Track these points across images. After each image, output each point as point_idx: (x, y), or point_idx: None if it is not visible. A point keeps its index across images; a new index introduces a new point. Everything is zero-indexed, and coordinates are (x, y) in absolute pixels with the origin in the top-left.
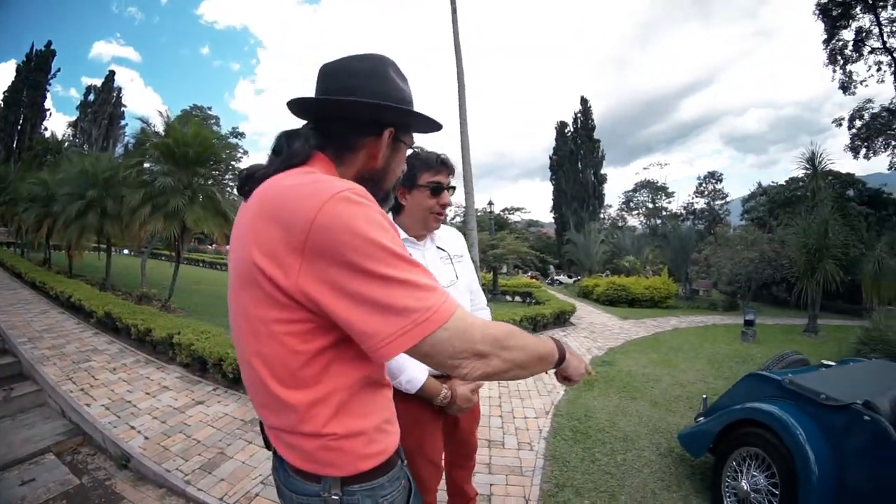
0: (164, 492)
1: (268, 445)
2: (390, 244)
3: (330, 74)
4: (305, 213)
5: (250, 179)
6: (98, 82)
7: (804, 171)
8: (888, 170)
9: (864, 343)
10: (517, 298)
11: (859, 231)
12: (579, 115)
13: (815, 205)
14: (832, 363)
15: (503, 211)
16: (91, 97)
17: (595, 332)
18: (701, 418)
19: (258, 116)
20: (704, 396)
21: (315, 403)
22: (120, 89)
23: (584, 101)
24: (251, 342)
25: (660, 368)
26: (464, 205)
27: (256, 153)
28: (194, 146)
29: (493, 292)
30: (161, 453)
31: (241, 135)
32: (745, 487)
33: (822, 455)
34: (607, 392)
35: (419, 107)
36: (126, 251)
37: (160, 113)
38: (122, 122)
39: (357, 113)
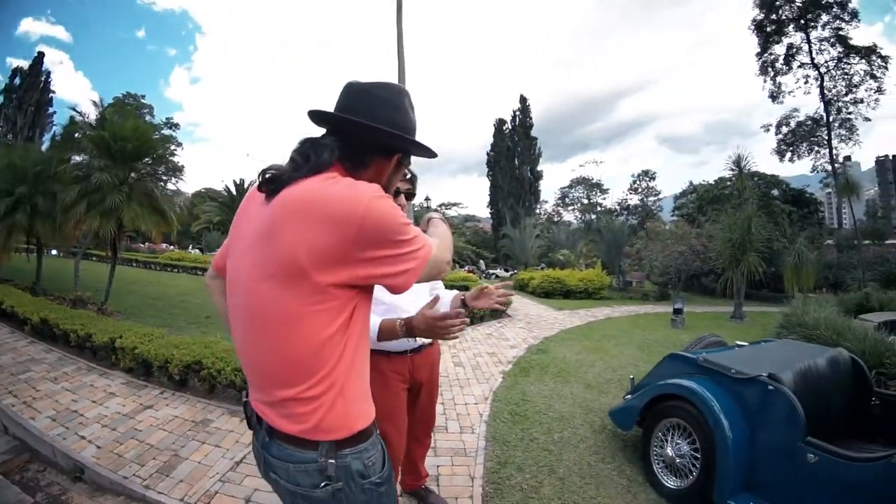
0: (124, 499)
1: (251, 425)
2: (403, 219)
3: (356, 95)
4: (355, 211)
5: (277, 181)
6: (25, 64)
7: (732, 172)
8: (811, 172)
9: (784, 326)
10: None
11: (782, 226)
12: (518, 112)
13: (741, 203)
14: (745, 343)
15: (440, 206)
16: (17, 81)
17: (531, 322)
18: (629, 396)
19: (193, 106)
20: (632, 377)
21: (331, 372)
22: (48, 73)
23: (523, 100)
24: (277, 327)
25: (592, 355)
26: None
27: (192, 144)
28: (132, 141)
29: None
30: (116, 461)
31: (176, 125)
32: (671, 454)
33: (735, 422)
34: (543, 378)
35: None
36: (54, 252)
37: (94, 103)
38: (51, 110)
39: (379, 138)
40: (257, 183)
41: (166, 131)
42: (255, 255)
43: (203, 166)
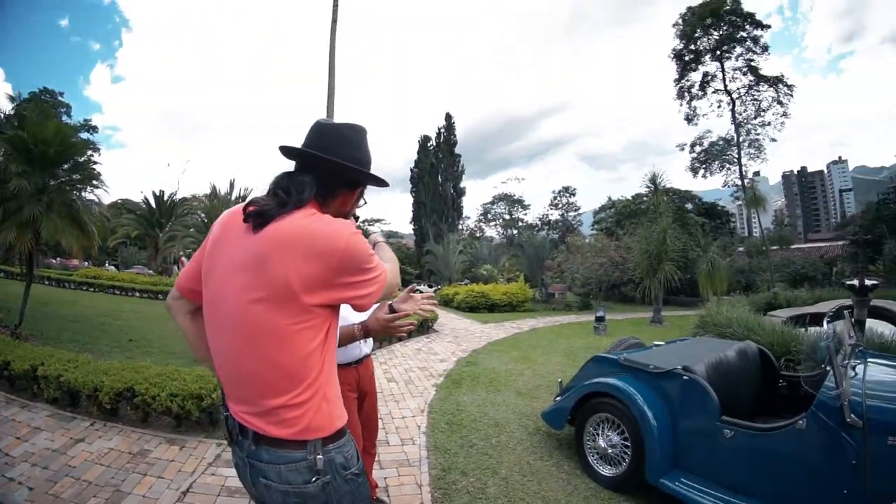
0: None
1: (232, 438)
2: (370, 251)
3: (327, 135)
4: (337, 246)
5: (265, 216)
6: None
7: (648, 189)
8: (722, 187)
9: (700, 327)
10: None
11: (696, 237)
12: (443, 130)
13: (657, 217)
14: (662, 343)
15: (363, 222)
16: None
17: (458, 336)
18: (559, 398)
19: (113, 108)
20: (560, 380)
21: (316, 379)
22: None
23: (448, 118)
24: (270, 343)
25: (521, 364)
26: None
27: (109, 150)
28: (54, 145)
29: None
30: (53, 502)
31: (94, 129)
32: (603, 445)
33: (657, 411)
34: (475, 388)
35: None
36: None
37: (10, 97)
38: None
39: (347, 174)
40: (242, 215)
41: (84, 135)
42: (243, 279)
43: (120, 175)
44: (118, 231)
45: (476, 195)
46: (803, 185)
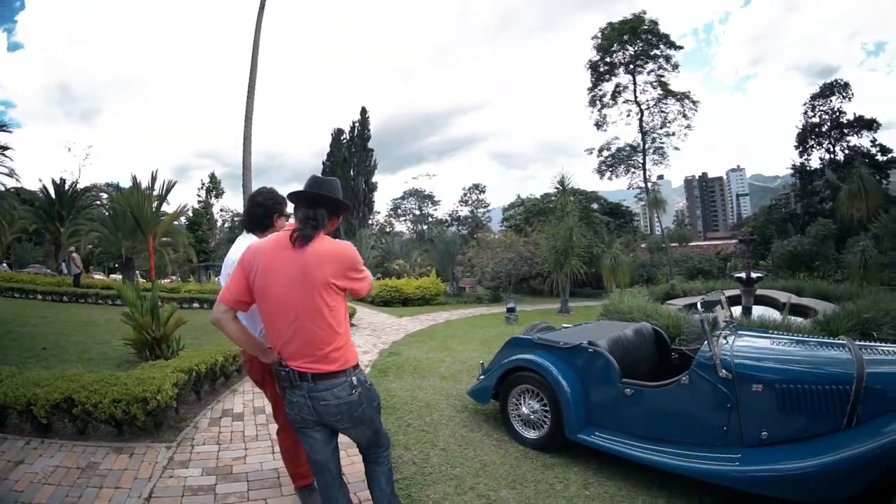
0: None
1: (292, 383)
2: (361, 259)
3: (325, 183)
4: (347, 255)
5: (306, 240)
6: None
7: (557, 189)
8: (627, 189)
9: (604, 314)
10: None
11: (601, 234)
12: (357, 124)
13: (564, 215)
14: (569, 326)
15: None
16: None
17: (377, 329)
18: (482, 377)
19: (9, 80)
20: (482, 362)
21: (346, 332)
22: None
23: (363, 112)
24: (323, 315)
25: (441, 353)
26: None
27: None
28: None
29: None
30: None
31: None
32: (526, 412)
33: (570, 379)
34: (401, 376)
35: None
36: None
37: None
38: None
39: (337, 208)
40: (288, 239)
41: None
42: (301, 280)
43: (14, 159)
44: (15, 224)
45: (386, 190)
46: (704, 188)
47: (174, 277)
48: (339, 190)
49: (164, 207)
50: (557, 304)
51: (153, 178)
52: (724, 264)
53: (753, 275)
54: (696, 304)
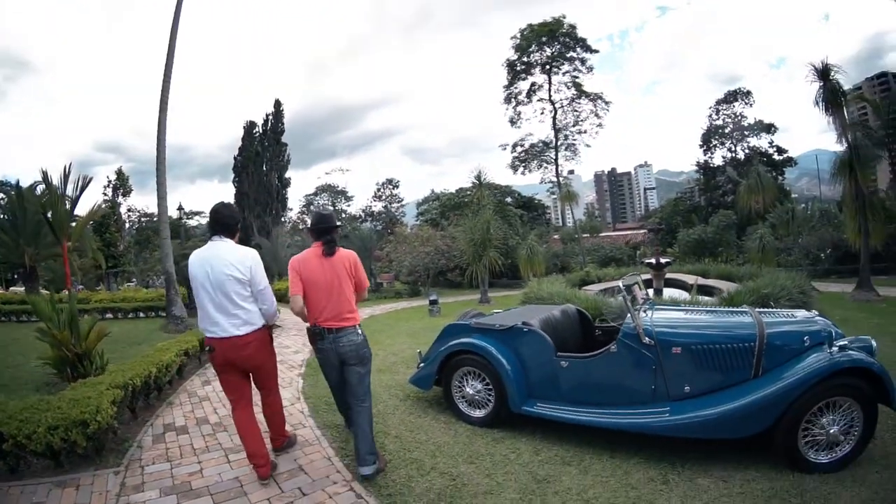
0: None
1: (322, 337)
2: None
3: (328, 218)
4: (353, 259)
5: (333, 253)
6: None
7: (473, 184)
8: (540, 183)
9: (524, 302)
10: None
11: (516, 227)
12: (271, 117)
13: (480, 209)
14: (499, 311)
15: (181, 213)
16: None
17: (302, 329)
18: (422, 364)
19: None
20: (419, 351)
21: (355, 302)
22: None
23: (277, 104)
24: (343, 293)
25: (372, 347)
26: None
27: None
28: None
29: (189, 306)
30: None
31: None
32: (471, 392)
33: (508, 358)
34: None
35: None
36: None
37: None
38: None
39: (336, 229)
40: (321, 248)
41: None
42: (334, 275)
43: None
44: None
45: (299, 185)
46: (613, 182)
47: (80, 287)
48: (334, 219)
49: (78, 207)
50: (477, 294)
51: (65, 174)
52: (634, 252)
53: (662, 260)
54: (611, 288)
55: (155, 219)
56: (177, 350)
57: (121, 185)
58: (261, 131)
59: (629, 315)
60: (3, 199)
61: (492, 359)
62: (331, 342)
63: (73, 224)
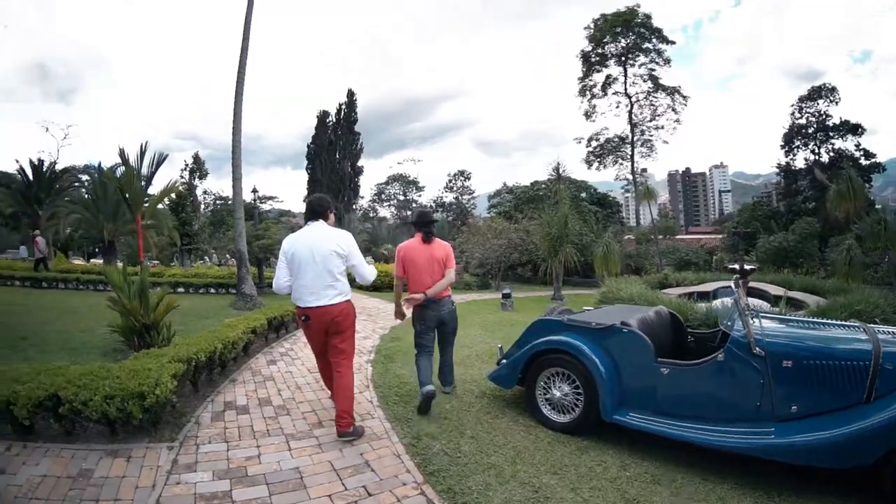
0: None
1: (429, 304)
2: None
3: (428, 214)
4: (448, 248)
5: (432, 240)
6: None
7: (550, 176)
8: (614, 180)
9: (603, 301)
10: None
11: (590, 223)
12: (344, 106)
13: (556, 202)
14: (590, 308)
15: (255, 198)
16: None
17: (372, 315)
18: (504, 361)
19: None
20: (500, 345)
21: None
22: None
23: (350, 94)
24: (439, 273)
25: None
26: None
27: None
28: None
29: (259, 285)
30: None
31: None
32: (558, 395)
33: (603, 360)
34: (409, 362)
35: None
36: None
37: None
38: None
39: (433, 223)
40: (421, 237)
41: None
42: (432, 258)
43: None
44: None
45: (370, 175)
46: (687, 183)
47: (155, 262)
48: (432, 215)
49: (153, 186)
50: (548, 291)
51: (142, 152)
52: (710, 257)
53: (747, 266)
54: (691, 293)
55: (229, 202)
56: (244, 327)
57: (197, 168)
58: (334, 120)
59: (739, 321)
60: (87, 180)
61: (586, 360)
62: (435, 309)
63: (147, 200)
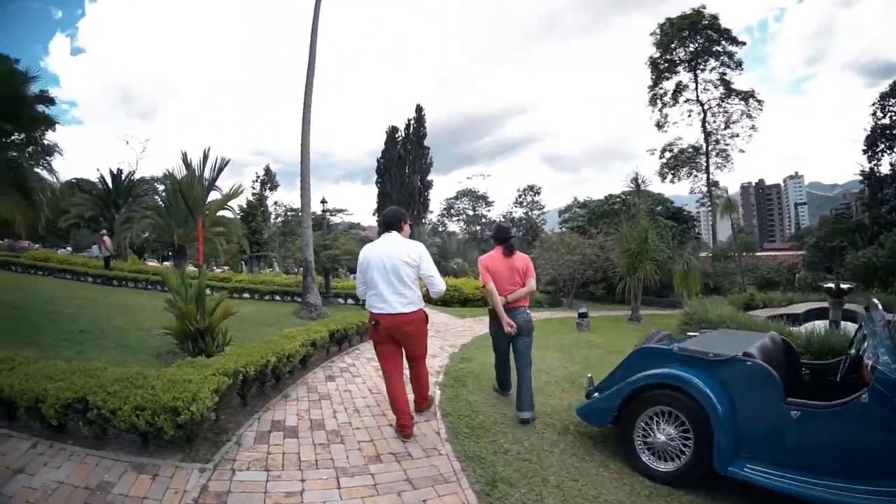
0: None
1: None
2: None
3: (507, 230)
4: (528, 260)
5: (511, 253)
6: None
7: (628, 188)
8: (689, 193)
9: (686, 324)
10: (350, 301)
11: (666, 239)
12: (413, 121)
13: (633, 216)
14: (696, 334)
15: (325, 211)
16: None
17: (440, 331)
18: (596, 394)
19: (71, 82)
20: (590, 375)
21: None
22: None
23: (419, 109)
24: (519, 282)
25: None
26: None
27: (65, 127)
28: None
29: (325, 295)
30: None
31: (50, 101)
32: (662, 439)
33: (720, 398)
34: (481, 387)
35: None
36: None
37: None
38: None
39: (511, 238)
40: (501, 250)
41: (40, 107)
42: (513, 269)
43: (77, 153)
44: (71, 211)
45: (439, 190)
46: (760, 196)
47: (225, 268)
48: (510, 230)
49: (215, 192)
50: (623, 310)
51: (204, 157)
52: (793, 275)
53: (843, 286)
54: (779, 315)
55: (300, 213)
56: (303, 339)
57: (268, 179)
58: (403, 135)
59: (884, 354)
60: (162, 190)
61: (700, 397)
62: (510, 316)
63: (208, 204)
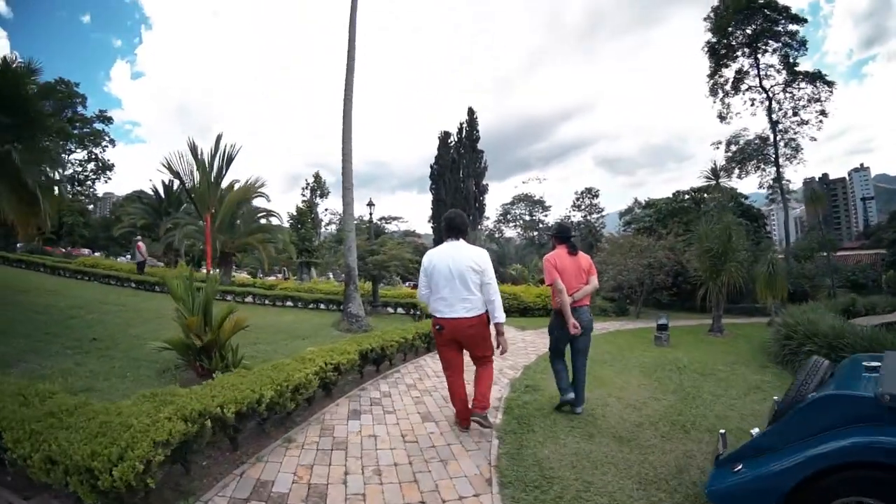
0: None
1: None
2: None
3: (569, 229)
4: (590, 260)
5: (575, 252)
6: None
7: (704, 181)
8: (759, 188)
9: (788, 337)
10: (399, 310)
11: (741, 238)
12: (465, 125)
13: (706, 212)
14: (879, 363)
15: (380, 220)
16: None
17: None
18: (740, 466)
19: (132, 104)
20: (722, 432)
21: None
22: None
23: (471, 112)
24: (583, 280)
25: (596, 388)
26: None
27: (129, 146)
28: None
29: (372, 304)
30: None
31: (108, 119)
32: None
33: None
34: (554, 432)
35: None
36: None
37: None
38: None
39: (571, 237)
40: (566, 248)
41: (98, 125)
42: (579, 268)
43: (139, 169)
44: (124, 220)
45: (495, 196)
46: (825, 191)
47: (278, 275)
48: (571, 230)
49: (233, 184)
50: (698, 319)
51: (216, 144)
52: (879, 276)
53: None
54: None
55: (342, 216)
56: (322, 363)
57: (318, 187)
58: (456, 140)
59: None
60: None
61: None
62: (574, 315)
63: (218, 198)
